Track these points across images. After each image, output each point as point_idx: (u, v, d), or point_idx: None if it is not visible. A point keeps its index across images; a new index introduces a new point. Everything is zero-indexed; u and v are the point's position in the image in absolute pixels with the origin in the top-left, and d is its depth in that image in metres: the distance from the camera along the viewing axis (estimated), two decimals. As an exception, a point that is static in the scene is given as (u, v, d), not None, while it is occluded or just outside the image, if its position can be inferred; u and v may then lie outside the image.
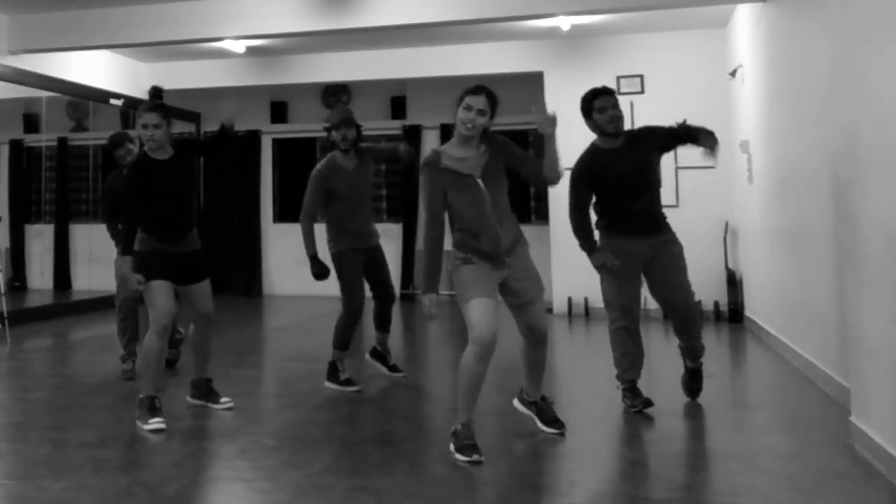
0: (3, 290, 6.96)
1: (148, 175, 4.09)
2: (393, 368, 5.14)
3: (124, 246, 4.20)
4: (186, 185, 4.21)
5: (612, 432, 3.98)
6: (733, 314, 7.81)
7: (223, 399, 4.33)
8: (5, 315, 6.89)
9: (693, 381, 4.50)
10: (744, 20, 7.19)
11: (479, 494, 3.03)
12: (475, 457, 3.37)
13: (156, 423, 3.91)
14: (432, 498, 2.97)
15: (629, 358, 4.34)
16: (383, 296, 5.03)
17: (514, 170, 3.69)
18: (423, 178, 3.61)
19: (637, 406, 4.24)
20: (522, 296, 3.66)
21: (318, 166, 4.86)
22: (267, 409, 4.45)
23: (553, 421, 3.84)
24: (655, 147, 4.33)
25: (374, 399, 4.74)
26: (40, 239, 10.81)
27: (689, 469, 3.31)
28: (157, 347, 4.05)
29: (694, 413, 4.22)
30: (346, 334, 4.85)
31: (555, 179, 3.65)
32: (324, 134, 4.95)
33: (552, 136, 3.55)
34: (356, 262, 4.83)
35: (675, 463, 3.42)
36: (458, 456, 3.40)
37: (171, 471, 3.28)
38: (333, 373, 4.83)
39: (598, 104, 4.24)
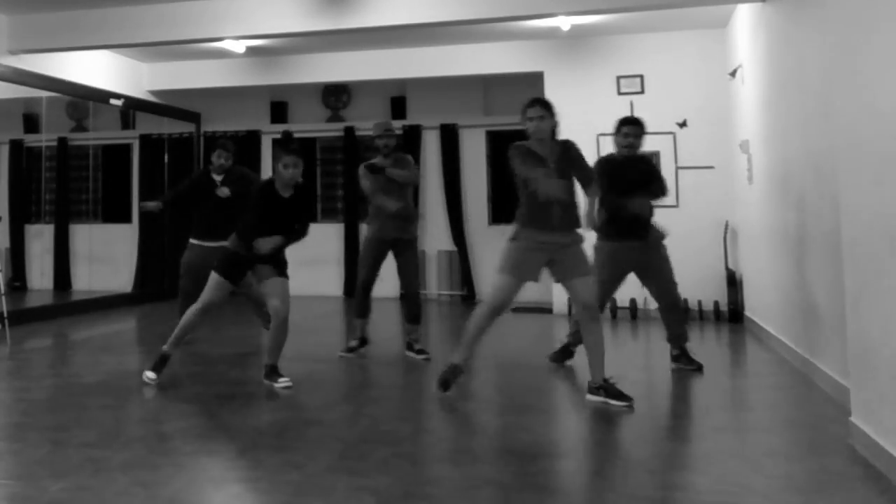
0: (3, 290, 6.97)
1: (269, 207, 4.96)
2: (419, 352, 5.84)
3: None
4: (292, 220, 5.07)
5: (612, 432, 3.98)
6: (733, 314, 7.81)
7: (281, 379, 4.87)
8: (5, 315, 6.89)
9: (683, 358, 5.35)
10: (744, 20, 7.19)
11: (479, 494, 3.03)
12: (441, 390, 4.54)
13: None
14: (432, 498, 2.97)
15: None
16: (403, 288, 5.94)
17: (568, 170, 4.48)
18: (513, 154, 4.46)
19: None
20: (562, 272, 4.42)
21: (365, 162, 6.06)
22: (267, 409, 4.45)
23: (619, 395, 4.29)
24: (643, 173, 5.39)
25: (375, 399, 4.75)
26: (40, 239, 10.80)
27: (689, 469, 3.31)
28: (193, 321, 5.00)
29: (694, 413, 4.23)
30: (356, 301, 5.98)
31: (592, 196, 4.59)
32: (371, 136, 6.04)
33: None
34: (369, 247, 5.88)
35: (676, 463, 3.42)
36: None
37: (171, 471, 3.28)
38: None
39: (624, 130, 5.36)
